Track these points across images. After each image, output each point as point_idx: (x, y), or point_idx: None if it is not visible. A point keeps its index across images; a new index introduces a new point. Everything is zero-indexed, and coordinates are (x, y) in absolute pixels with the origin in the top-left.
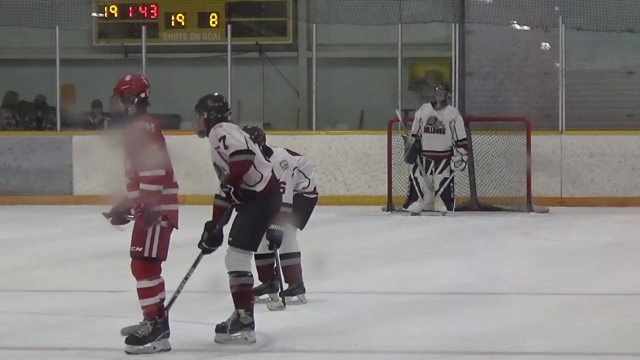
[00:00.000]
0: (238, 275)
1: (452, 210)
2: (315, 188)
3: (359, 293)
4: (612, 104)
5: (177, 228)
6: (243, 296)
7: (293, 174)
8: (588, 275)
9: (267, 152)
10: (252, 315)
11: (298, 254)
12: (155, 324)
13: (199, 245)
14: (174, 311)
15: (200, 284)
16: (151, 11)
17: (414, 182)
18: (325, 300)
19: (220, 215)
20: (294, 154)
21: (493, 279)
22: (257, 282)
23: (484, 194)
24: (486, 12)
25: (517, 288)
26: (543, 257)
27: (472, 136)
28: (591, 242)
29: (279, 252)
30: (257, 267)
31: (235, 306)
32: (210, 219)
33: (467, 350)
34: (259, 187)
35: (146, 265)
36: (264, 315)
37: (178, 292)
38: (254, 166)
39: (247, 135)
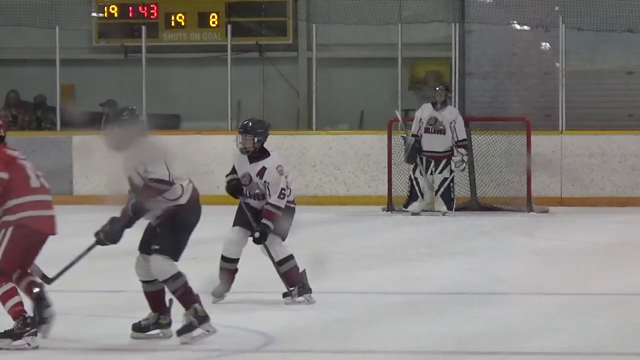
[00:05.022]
0: (175, 279)
1: (452, 210)
2: (294, 197)
3: (359, 293)
4: (612, 104)
5: (53, 234)
6: (189, 294)
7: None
8: (588, 275)
9: (264, 154)
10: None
11: (292, 257)
12: (25, 319)
13: (96, 234)
14: (174, 311)
15: (199, 284)
16: (151, 11)
17: (414, 182)
18: (325, 300)
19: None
20: None
21: (493, 279)
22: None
23: (484, 194)
24: (486, 12)
25: (517, 288)
26: (543, 257)
27: (472, 136)
28: (591, 242)
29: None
30: (283, 273)
31: (185, 307)
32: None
33: (467, 350)
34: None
35: None
36: (264, 315)
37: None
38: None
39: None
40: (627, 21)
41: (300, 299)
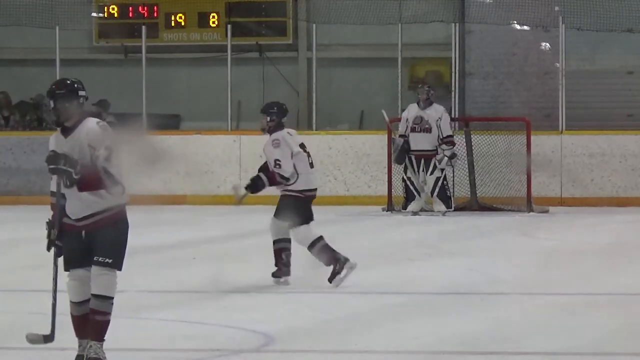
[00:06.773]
0: (112, 303)
1: (451, 208)
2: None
3: (359, 293)
4: (612, 104)
5: None
6: (107, 326)
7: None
8: (588, 275)
9: (276, 131)
10: None
11: (321, 237)
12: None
13: (51, 246)
14: (174, 311)
15: (200, 284)
16: (151, 11)
17: (408, 182)
18: (325, 300)
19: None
20: None
21: (493, 279)
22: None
23: (484, 194)
24: (486, 12)
25: (517, 288)
26: (543, 257)
27: (472, 136)
28: (591, 242)
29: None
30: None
31: (98, 338)
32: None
33: (467, 350)
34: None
35: None
36: (264, 315)
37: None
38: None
39: None
40: (627, 21)
41: (344, 272)
